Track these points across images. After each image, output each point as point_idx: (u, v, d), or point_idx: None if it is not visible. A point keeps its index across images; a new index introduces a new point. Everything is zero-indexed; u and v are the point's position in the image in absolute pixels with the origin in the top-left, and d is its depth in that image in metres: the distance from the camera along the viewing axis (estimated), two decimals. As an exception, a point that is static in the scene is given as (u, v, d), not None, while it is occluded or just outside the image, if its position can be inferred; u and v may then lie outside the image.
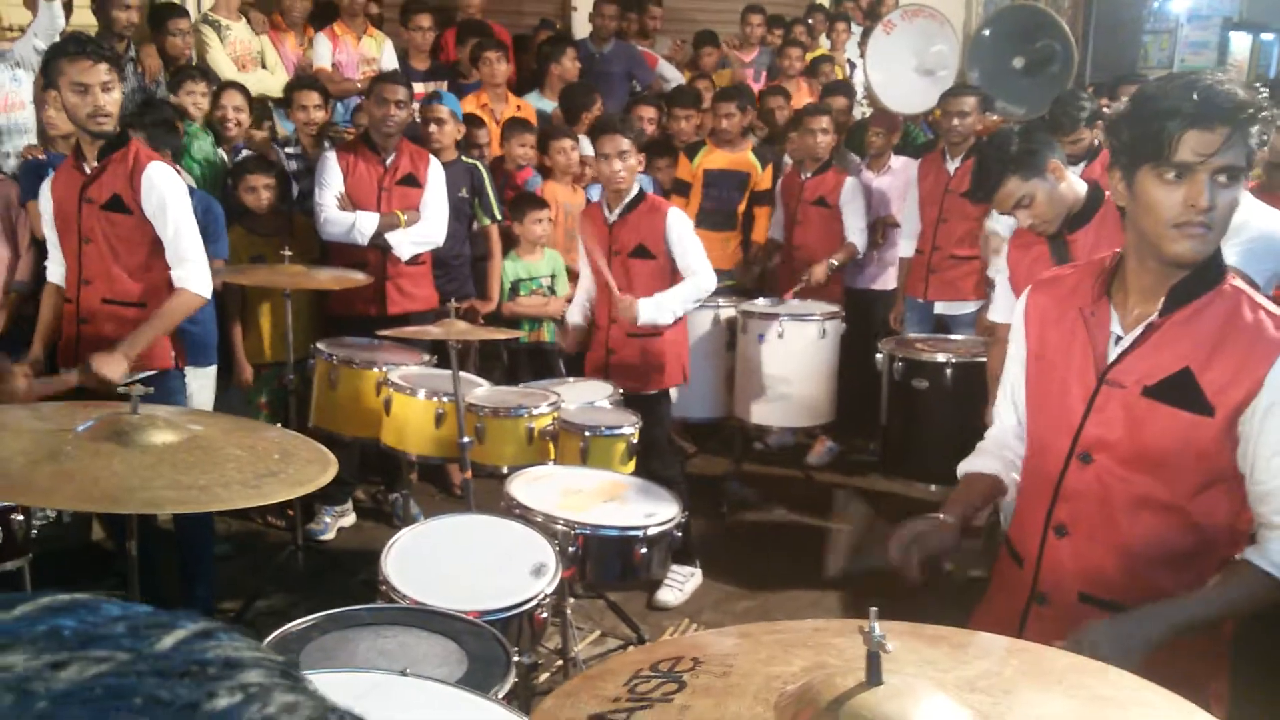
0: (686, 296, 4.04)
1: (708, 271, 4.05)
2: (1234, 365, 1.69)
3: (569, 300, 4.63)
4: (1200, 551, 1.79)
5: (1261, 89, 1.66)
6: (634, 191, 4.03)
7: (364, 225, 4.39)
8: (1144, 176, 1.69)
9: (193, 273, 3.33)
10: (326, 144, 4.86)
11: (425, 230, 4.51)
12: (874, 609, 1.10)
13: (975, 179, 3.20)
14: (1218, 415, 1.70)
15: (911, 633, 1.33)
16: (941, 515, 1.96)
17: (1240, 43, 17.74)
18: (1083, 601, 1.85)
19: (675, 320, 4.09)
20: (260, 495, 1.79)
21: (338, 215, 4.41)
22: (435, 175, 4.55)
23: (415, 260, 4.53)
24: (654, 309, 3.96)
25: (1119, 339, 1.81)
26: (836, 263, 5.30)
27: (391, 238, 4.43)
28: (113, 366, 3.08)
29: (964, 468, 2.12)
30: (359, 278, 4.10)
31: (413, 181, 4.50)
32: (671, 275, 4.05)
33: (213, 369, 4.25)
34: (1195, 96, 1.63)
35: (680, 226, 4.01)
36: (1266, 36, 18.30)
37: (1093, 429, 1.82)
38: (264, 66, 5.42)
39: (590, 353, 4.23)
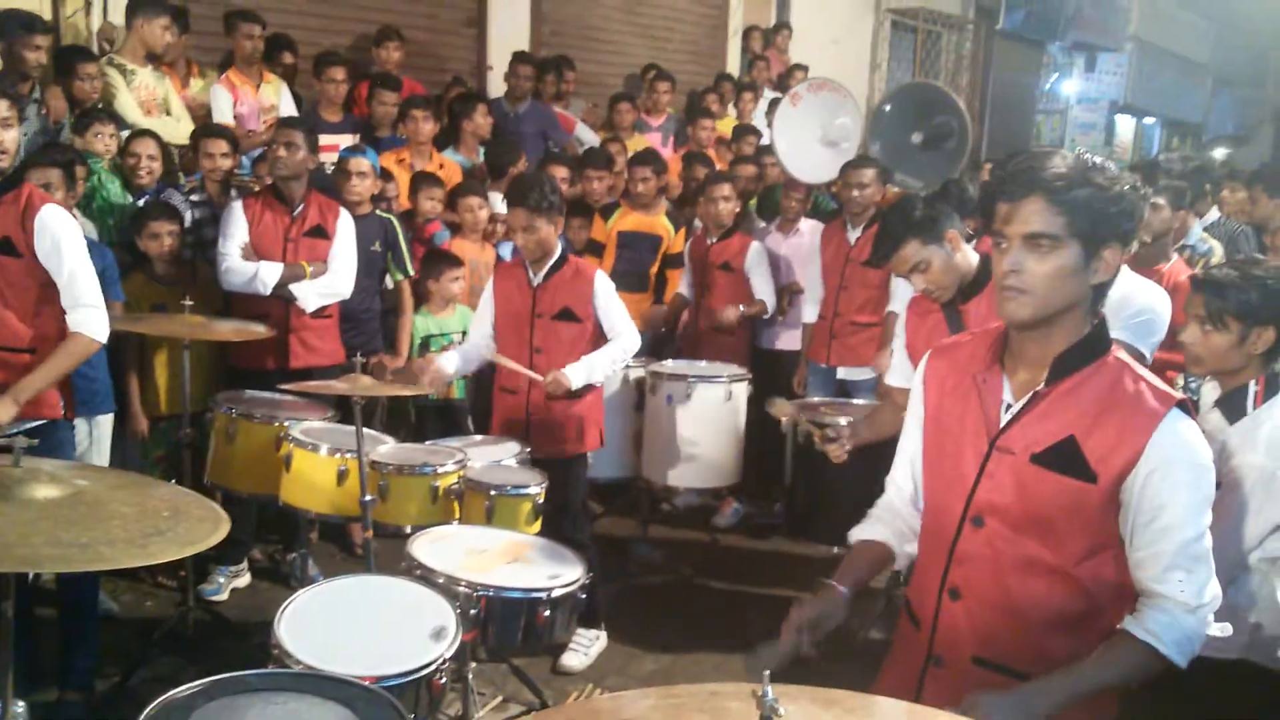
0: (614, 358, 4.05)
1: (633, 333, 4.07)
2: (1115, 434, 1.77)
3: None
4: (1089, 615, 1.84)
5: (1091, 162, 1.76)
6: (556, 254, 4.02)
7: (266, 275, 4.32)
8: (992, 246, 1.85)
9: (90, 317, 3.22)
10: (234, 193, 4.79)
11: (331, 282, 4.45)
12: (766, 673, 1.11)
13: (877, 240, 3.30)
14: (1100, 482, 1.77)
15: (808, 696, 1.34)
16: (833, 582, 1.99)
17: (1125, 125, 18.80)
18: (976, 664, 1.89)
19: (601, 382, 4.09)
20: (147, 555, 1.72)
21: (239, 265, 4.33)
22: (344, 227, 4.51)
23: (320, 313, 4.46)
24: (584, 372, 3.95)
25: (1009, 406, 1.88)
26: (746, 310, 5.39)
27: (296, 289, 4.36)
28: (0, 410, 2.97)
29: (855, 534, 2.16)
30: (259, 330, 4.02)
31: (321, 233, 4.45)
32: (596, 337, 4.05)
33: (110, 417, 4.11)
34: (1007, 171, 1.79)
35: (606, 290, 4.03)
36: (1148, 120, 19.42)
37: (983, 493, 1.87)
38: (169, 113, 5.33)
39: (504, 413, 4.18)
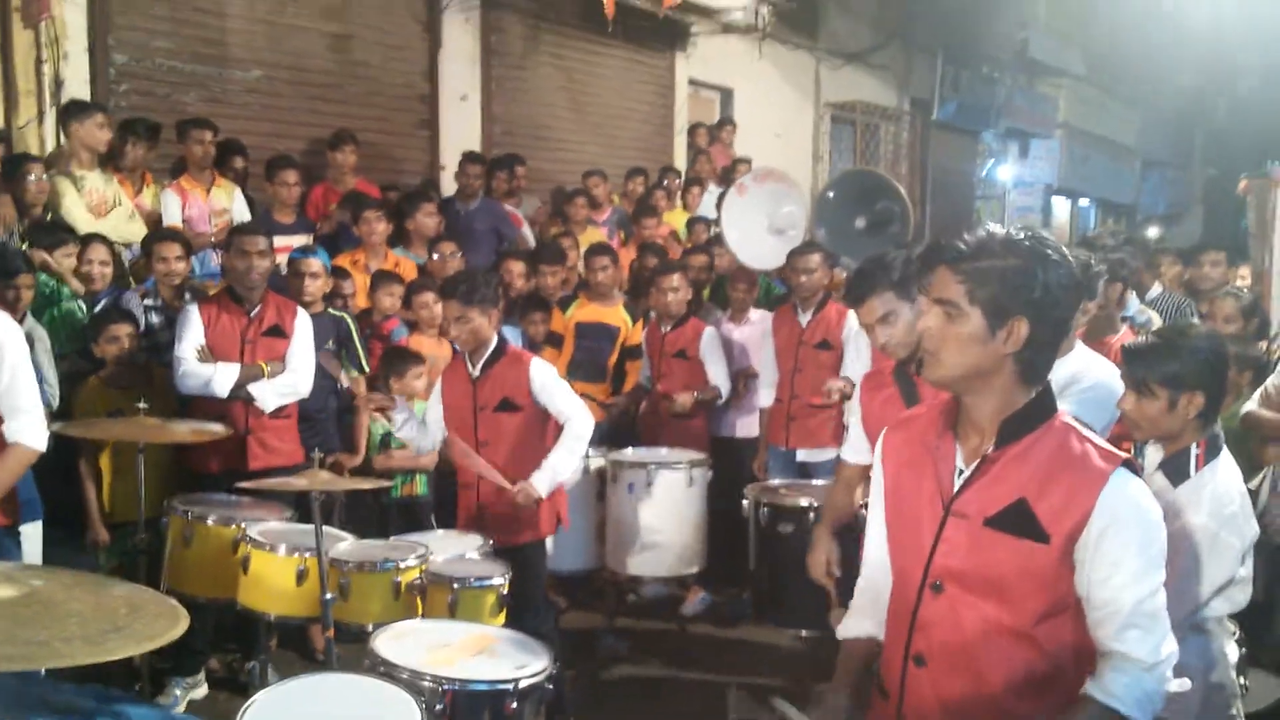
0: (572, 448, 4.03)
1: (583, 413, 4.06)
2: (1064, 495, 1.80)
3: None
4: (1052, 677, 1.85)
5: (1004, 237, 1.83)
6: (493, 345, 4.05)
7: (223, 377, 4.30)
8: None
9: (27, 425, 3.17)
10: (188, 296, 4.79)
11: (290, 380, 4.44)
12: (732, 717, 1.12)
13: (851, 284, 3.34)
14: (1053, 543, 1.80)
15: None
16: (836, 703, 2.02)
17: (1061, 207, 19.46)
18: (944, 733, 1.89)
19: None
20: (105, 651, 1.69)
21: (196, 367, 4.31)
22: (302, 326, 4.52)
23: (279, 413, 4.44)
24: (550, 476, 3.95)
25: (962, 471, 1.91)
26: (700, 395, 5.45)
27: (255, 389, 4.34)
28: None
29: (841, 631, 2.19)
30: (218, 429, 3.98)
31: (279, 332, 4.45)
32: (540, 425, 4.06)
33: (37, 525, 4.01)
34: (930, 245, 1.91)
35: (544, 376, 4.03)
36: (1083, 202, 20.11)
37: (941, 559, 1.90)
38: (119, 204, 5.33)
39: (463, 507, 4.17)
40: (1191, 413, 2.66)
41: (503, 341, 4.11)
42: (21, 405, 3.16)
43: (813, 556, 3.42)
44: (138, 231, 5.27)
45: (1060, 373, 3.07)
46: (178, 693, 4.32)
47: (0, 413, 3.17)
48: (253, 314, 4.44)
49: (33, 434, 3.19)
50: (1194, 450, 2.70)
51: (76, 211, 5.12)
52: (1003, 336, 1.81)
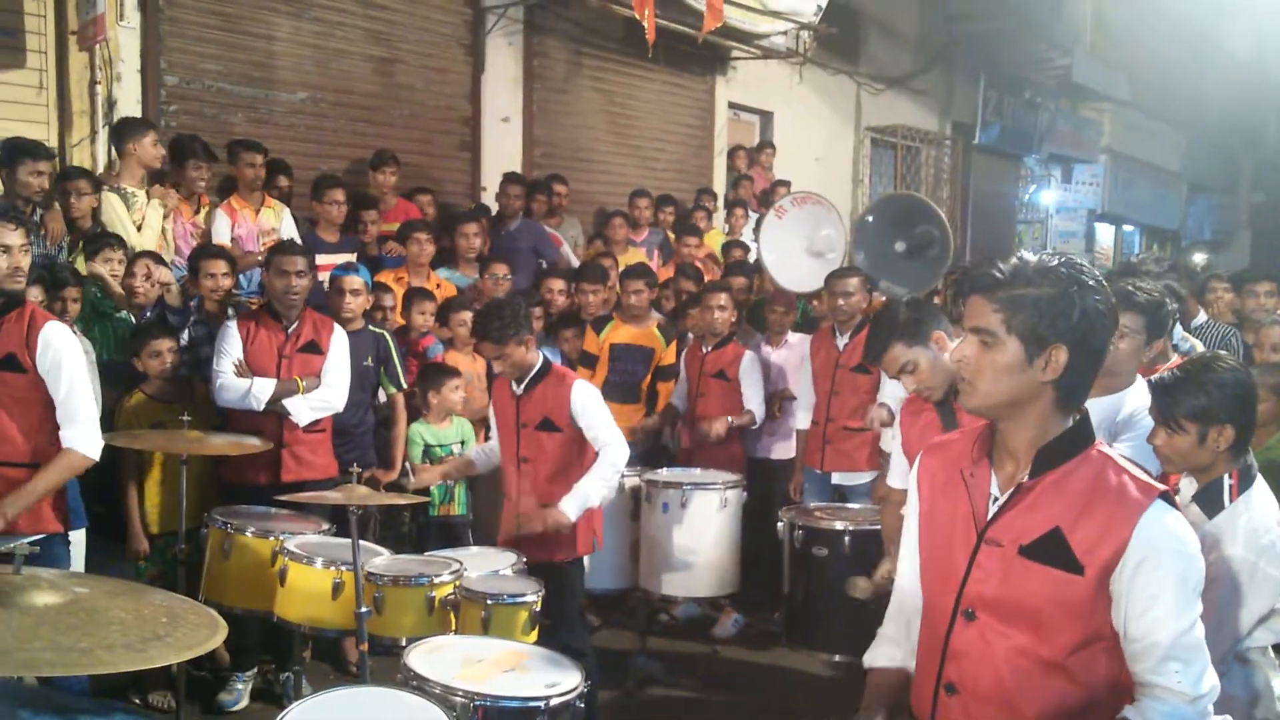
0: (605, 476, 4.03)
1: (619, 442, 4.06)
2: (1100, 526, 1.78)
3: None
4: (1085, 709, 1.82)
5: (1038, 264, 1.81)
6: (538, 364, 4.09)
7: (259, 390, 4.37)
8: None
9: (81, 433, 3.30)
10: (231, 311, 4.88)
11: (324, 395, 4.50)
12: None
13: (867, 342, 3.39)
14: (1087, 574, 1.78)
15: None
16: None
17: (1105, 232, 19.25)
18: (975, 763, 1.87)
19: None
20: (146, 659, 1.72)
21: (233, 381, 4.39)
22: (338, 342, 4.59)
23: (313, 427, 4.50)
24: (579, 501, 3.95)
25: (996, 499, 1.89)
26: (734, 422, 5.43)
27: (290, 403, 4.41)
28: None
29: (869, 660, 2.17)
30: (254, 443, 4.05)
31: (315, 348, 4.52)
32: (580, 446, 4.08)
33: (81, 533, 4.09)
34: (963, 273, 1.92)
35: (585, 398, 4.04)
36: (1127, 227, 19.88)
37: (974, 586, 1.88)
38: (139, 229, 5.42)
39: (503, 519, 4.19)
40: (1222, 445, 2.62)
41: (548, 361, 4.15)
42: (78, 415, 3.29)
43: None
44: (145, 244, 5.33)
45: (1125, 408, 3.03)
46: (239, 687, 4.45)
47: (58, 420, 3.28)
48: (290, 330, 4.51)
49: (87, 443, 3.30)
50: (1227, 481, 2.66)
51: (122, 226, 5.21)
52: (1040, 364, 1.79)
